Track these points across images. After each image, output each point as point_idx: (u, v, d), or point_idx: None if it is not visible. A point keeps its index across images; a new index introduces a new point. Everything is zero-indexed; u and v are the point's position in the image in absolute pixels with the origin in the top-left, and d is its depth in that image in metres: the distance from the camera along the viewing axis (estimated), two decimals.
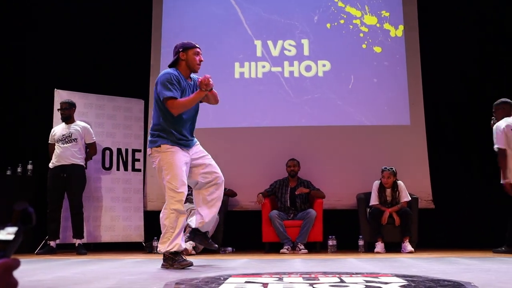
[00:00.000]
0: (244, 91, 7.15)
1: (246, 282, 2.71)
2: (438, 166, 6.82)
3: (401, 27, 7.24)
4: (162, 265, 3.68)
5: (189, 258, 4.96)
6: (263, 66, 7.22)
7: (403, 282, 2.61)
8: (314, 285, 2.49)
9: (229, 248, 6.16)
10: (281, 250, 5.81)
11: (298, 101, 7.09)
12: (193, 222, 3.94)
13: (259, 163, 6.79)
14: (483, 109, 6.24)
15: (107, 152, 6.56)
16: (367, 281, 2.65)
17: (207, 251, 5.84)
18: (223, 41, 7.29)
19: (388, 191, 6.05)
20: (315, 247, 6.07)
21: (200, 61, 3.96)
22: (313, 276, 2.96)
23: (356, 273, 3.10)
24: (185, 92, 3.82)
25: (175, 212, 3.61)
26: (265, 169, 6.65)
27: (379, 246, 5.78)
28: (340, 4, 7.34)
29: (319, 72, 7.17)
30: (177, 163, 3.66)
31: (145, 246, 6.22)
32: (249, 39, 7.30)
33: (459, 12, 7.19)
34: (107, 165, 6.53)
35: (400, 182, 6.07)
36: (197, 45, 3.96)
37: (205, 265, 3.98)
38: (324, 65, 7.19)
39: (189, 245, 5.53)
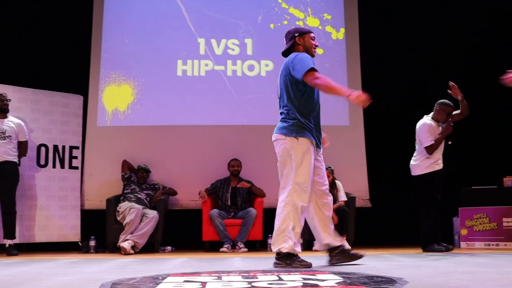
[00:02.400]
0: (187, 89, 7.08)
1: (185, 281, 2.69)
2: (376, 166, 7.03)
3: (342, 30, 7.41)
4: (276, 264, 3.51)
5: (127, 258, 4.87)
6: (206, 65, 7.19)
7: (339, 279, 2.68)
8: (253, 283, 2.50)
9: (169, 247, 6.10)
10: (221, 249, 5.81)
11: (240, 100, 7.11)
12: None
13: (201, 162, 6.76)
14: (421, 110, 6.49)
15: (43, 148, 6.33)
16: (304, 279, 2.69)
17: (145, 250, 5.75)
18: (166, 38, 7.20)
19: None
20: (255, 246, 6.11)
21: (316, 46, 3.85)
22: (252, 274, 2.98)
23: (295, 271, 3.14)
24: None
25: (299, 210, 3.50)
26: (207, 168, 6.64)
27: (318, 244, 5.88)
28: (284, 5, 7.43)
29: (262, 72, 7.23)
30: (311, 161, 3.55)
31: (81, 246, 6.05)
32: (192, 37, 7.25)
33: (399, 16, 7.45)
34: (42, 162, 6.29)
35: (338, 182, 6.23)
36: (311, 31, 3.88)
37: (143, 265, 3.91)
38: (267, 65, 7.25)
39: (127, 244, 5.43)
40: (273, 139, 3.68)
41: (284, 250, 3.47)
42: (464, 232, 6.07)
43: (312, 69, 3.49)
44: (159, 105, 7.01)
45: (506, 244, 5.87)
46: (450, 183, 6.63)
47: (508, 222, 5.91)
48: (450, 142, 5.42)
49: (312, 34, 3.81)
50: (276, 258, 3.52)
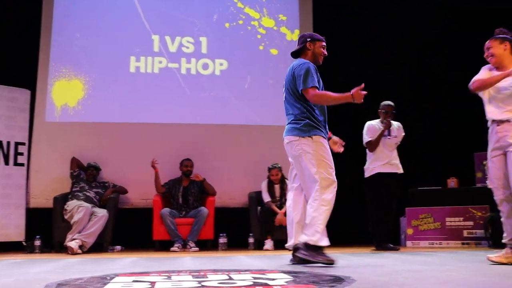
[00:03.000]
0: (140, 86, 6.97)
1: (134, 281, 2.65)
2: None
3: (297, 32, 7.48)
4: (302, 253, 3.54)
5: (74, 258, 4.75)
6: (160, 62, 7.10)
7: (288, 278, 2.71)
8: (203, 283, 2.50)
9: (118, 247, 5.99)
10: (172, 248, 5.76)
11: (194, 99, 7.07)
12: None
13: (151, 160, 6.67)
14: (375, 108, 6.64)
15: None
16: (254, 278, 2.71)
17: (94, 250, 5.62)
18: (119, 34, 7.06)
19: (277, 187, 6.28)
20: (206, 245, 6.09)
21: (325, 54, 3.94)
22: (202, 273, 2.97)
23: (245, 270, 3.15)
24: (319, 82, 3.79)
25: (330, 204, 3.59)
26: (159, 166, 6.54)
27: (269, 243, 5.93)
28: (240, 4, 7.43)
29: (216, 71, 7.21)
30: (329, 153, 3.69)
31: (25, 246, 5.84)
32: (146, 33, 7.14)
33: (352, 17, 7.59)
34: None
35: (287, 180, 6.30)
36: (324, 39, 3.96)
37: (91, 265, 3.83)
38: (221, 64, 7.24)
39: (74, 243, 5.30)
40: (286, 141, 3.76)
41: (311, 243, 3.54)
42: (410, 231, 6.26)
43: (313, 87, 3.63)
44: (111, 101, 6.87)
45: (448, 243, 6.10)
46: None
47: (451, 221, 6.14)
48: None
49: (323, 43, 3.94)
50: (302, 249, 3.57)
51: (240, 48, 7.31)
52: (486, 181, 6.36)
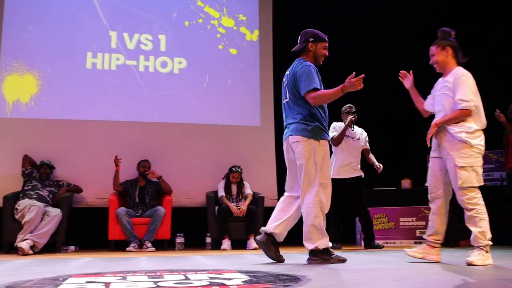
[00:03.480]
0: (96, 82, 6.82)
1: (87, 282, 2.59)
2: (285, 167, 7.18)
3: (256, 32, 7.51)
4: (312, 260, 3.55)
5: (25, 259, 4.61)
6: (118, 59, 6.98)
7: (245, 277, 2.71)
8: (158, 283, 2.47)
9: (72, 247, 5.85)
10: (127, 248, 5.67)
11: (152, 97, 6.98)
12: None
13: (108, 159, 6.52)
14: (336, 111, 6.71)
15: None
16: (211, 278, 2.69)
17: (46, 250, 5.47)
18: (75, 28, 6.89)
19: (234, 186, 6.36)
20: (163, 245, 6.02)
21: (326, 55, 3.86)
22: (158, 274, 2.93)
23: (202, 270, 3.14)
24: (321, 83, 3.74)
25: (324, 207, 3.56)
26: (114, 164, 6.41)
27: (226, 243, 5.92)
28: (200, 3, 7.39)
29: (175, 69, 7.14)
30: (328, 160, 3.69)
31: None
32: (103, 29, 7.00)
33: (313, 20, 7.66)
34: None
35: (245, 182, 6.36)
36: (327, 39, 3.86)
37: (43, 266, 3.72)
38: (180, 63, 7.17)
39: (25, 244, 5.14)
40: (292, 140, 3.73)
41: (322, 247, 3.54)
42: None
43: (314, 89, 3.61)
44: (66, 98, 6.69)
45: (402, 242, 6.26)
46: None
47: (404, 221, 6.30)
48: None
49: (326, 44, 3.88)
50: (311, 255, 3.58)
51: (200, 47, 7.27)
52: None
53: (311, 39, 3.80)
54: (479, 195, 3.50)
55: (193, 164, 6.85)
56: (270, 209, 6.65)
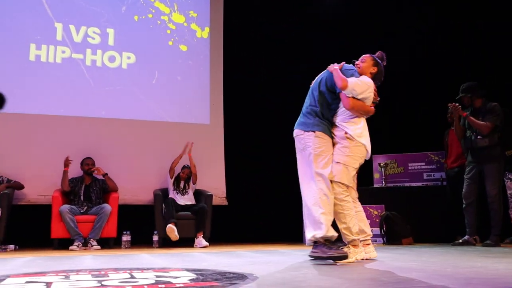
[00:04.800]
0: (40, 75, 6.60)
1: (27, 282, 2.51)
2: (234, 165, 7.22)
3: (207, 29, 7.48)
4: (312, 252, 3.40)
5: None
6: (63, 51, 6.77)
7: (192, 275, 2.70)
8: (103, 282, 2.42)
9: (11, 246, 5.63)
10: (71, 247, 5.52)
11: (99, 92, 6.82)
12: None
13: (52, 154, 6.34)
14: (282, 111, 6.76)
15: None
16: (157, 276, 2.67)
17: None
18: (17, 19, 6.62)
19: (182, 182, 6.43)
20: (109, 243, 5.90)
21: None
22: (103, 273, 2.88)
23: (148, 268, 3.10)
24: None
25: (326, 196, 3.40)
26: (58, 160, 6.21)
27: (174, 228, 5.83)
28: None
29: (123, 64, 7.01)
30: (330, 153, 3.57)
31: None
32: (48, 20, 6.77)
33: (262, 17, 7.72)
34: None
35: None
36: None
37: None
38: (129, 57, 7.05)
39: None
40: (294, 134, 3.71)
41: (318, 236, 3.38)
42: None
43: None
44: (7, 91, 6.32)
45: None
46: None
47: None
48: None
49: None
50: (313, 248, 3.45)
51: (149, 42, 7.17)
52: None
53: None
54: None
55: (141, 162, 6.75)
56: (219, 207, 6.71)
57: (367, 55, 3.81)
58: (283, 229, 7.01)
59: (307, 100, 3.77)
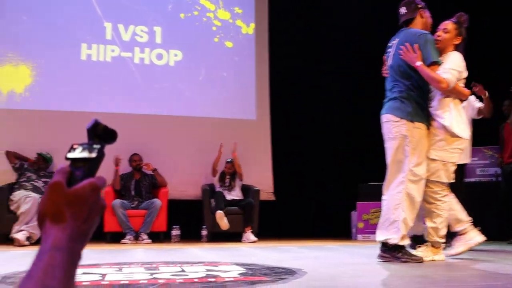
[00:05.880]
0: (91, 74, 6.78)
1: (83, 273, 2.59)
2: (281, 160, 7.21)
3: (252, 25, 7.48)
4: (381, 256, 3.20)
5: (21, 250, 4.60)
6: (113, 50, 6.94)
7: (241, 270, 2.72)
8: (155, 275, 2.47)
9: None
10: (123, 240, 5.67)
11: (147, 89, 6.95)
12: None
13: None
14: (330, 105, 6.74)
15: None
16: (207, 270, 2.71)
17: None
18: (69, 19, 6.82)
19: (228, 177, 6.45)
20: (159, 237, 6.02)
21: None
22: (154, 266, 2.94)
23: (198, 262, 3.15)
24: None
25: (412, 200, 3.15)
26: (109, 156, 6.37)
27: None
28: None
29: (170, 61, 7.11)
30: (425, 149, 3.22)
31: None
32: (98, 20, 6.95)
33: (309, 12, 7.66)
34: None
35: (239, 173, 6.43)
36: None
37: None
38: (175, 55, 7.15)
39: (21, 235, 5.14)
40: (383, 120, 3.36)
41: (392, 242, 3.16)
42: (360, 225, 6.40)
43: (434, 63, 3.22)
44: (61, 89, 6.65)
45: None
46: (349, 178, 6.97)
47: None
48: None
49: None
50: (382, 250, 3.24)
51: (195, 39, 7.24)
52: None
53: (420, 6, 3.40)
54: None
55: (188, 157, 6.84)
56: (266, 203, 6.72)
57: (449, 22, 3.41)
58: (331, 225, 6.96)
59: (398, 81, 3.33)
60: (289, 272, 2.58)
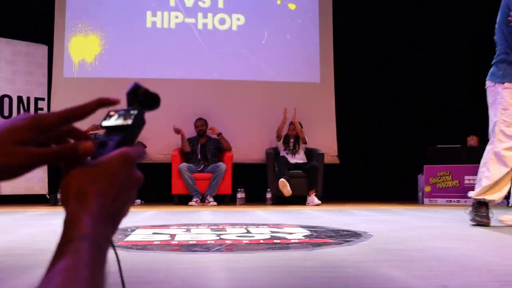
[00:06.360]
0: (156, 41, 6.92)
1: (154, 233, 2.71)
2: (345, 123, 7.11)
3: None
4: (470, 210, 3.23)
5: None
6: (176, 17, 7.01)
7: (306, 232, 2.74)
8: (221, 236, 2.54)
9: (138, 201, 6.09)
10: (190, 203, 5.85)
11: (211, 54, 7.00)
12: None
13: (170, 116, 6.66)
14: (390, 67, 6.53)
15: (6, 99, 6.14)
16: (272, 232, 2.75)
17: None
18: None
19: (292, 140, 6.44)
20: (224, 200, 6.16)
21: None
22: (220, 227, 3.02)
23: (263, 224, 3.20)
24: None
25: (499, 160, 3.09)
26: (175, 121, 6.53)
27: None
28: None
29: (233, 26, 7.10)
30: None
31: (49, 199, 5.98)
32: None
33: None
34: (6, 113, 6.12)
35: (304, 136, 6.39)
36: None
37: None
38: (238, 19, 7.12)
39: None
40: (485, 86, 3.33)
41: (469, 194, 3.23)
42: (427, 189, 6.25)
43: None
44: (128, 57, 6.85)
45: (466, 201, 6.07)
46: (416, 141, 6.78)
47: (469, 179, 6.10)
48: None
49: None
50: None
51: (258, 2, 7.17)
52: None
53: None
54: None
55: (252, 121, 6.88)
56: (330, 166, 6.69)
57: None
58: (397, 189, 6.84)
59: (498, 44, 3.24)
60: (354, 235, 2.57)
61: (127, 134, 0.59)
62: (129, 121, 0.60)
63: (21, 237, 2.54)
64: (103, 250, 0.50)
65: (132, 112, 0.62)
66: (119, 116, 0.61)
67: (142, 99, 0.67)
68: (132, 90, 0.68)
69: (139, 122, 0.62)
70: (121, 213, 0.55)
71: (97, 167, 0.54)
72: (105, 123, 0.60)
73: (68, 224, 0.50)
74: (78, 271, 0.46)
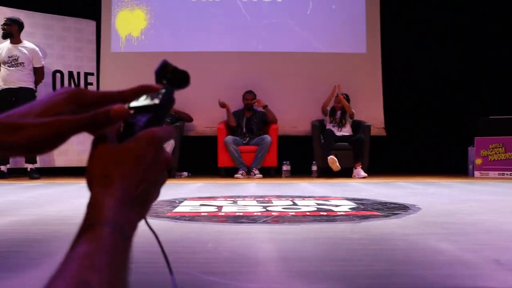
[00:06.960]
0: (201, 14, 6.92)
1: (201, 205, 2.76)
2: (392, 94, 6.95)
3: None
4: None
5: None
6: None
7: (352, 204, 2.72)
8: (267, 208, 2.56)
9: (185, 173, 6.21)
10: (236, 175, 5.91)
11: (255, 26, 6.95)
12: None
13: (215, 89, 6.71)
14: (437, 36, 6.30)
15: (58, 75, 6.32)
16: (318, 204, 2.74)
17: None
18: None
19: (338, 113, 6.32)
20: (270, 172, 6.19)
21: None
22: (266, 199, 3.04)
23: (309, 197, 3.20)
24: None
25: None
26: (221, 95, 6.55)
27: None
28: None
29: None
30: None
31: None
32: None
33: None
34: (58, 88, 6.31)
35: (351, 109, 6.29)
36: None
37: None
38: None
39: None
40: None
41: None
42: (478, 161, 6.06)
43: None
44: (173, 31, 6.89)
45: None
46: (467, 112, 6.57)
47: None
48: None
49: None
50: None
51: None
52: None
53: None
54: None
55: (298, 93, 6.83)
56: (377, 138, 6.58)
57: None
58: (446, 161, 6.67)
59: None
60: (402, 208, 2.54)
61: (155, 114, 0.57)
62: (156, 101, 0.58)
63: (74, 207, 2.64)
64: (127, 236, 0.47)
65: (160, 91, 0.60)
66: (147, 96, 0.59)
67: (171, 77, 0.64)
68: (161, 68, 0.64)
69: (168, 101, 0.59)
70: (149, 196, 0.52)
71: (123, 148, 0.52)
72: (133, 104, 0.57)
73: (91, 209, 0.48)
74: (97, 258, 0.43)
